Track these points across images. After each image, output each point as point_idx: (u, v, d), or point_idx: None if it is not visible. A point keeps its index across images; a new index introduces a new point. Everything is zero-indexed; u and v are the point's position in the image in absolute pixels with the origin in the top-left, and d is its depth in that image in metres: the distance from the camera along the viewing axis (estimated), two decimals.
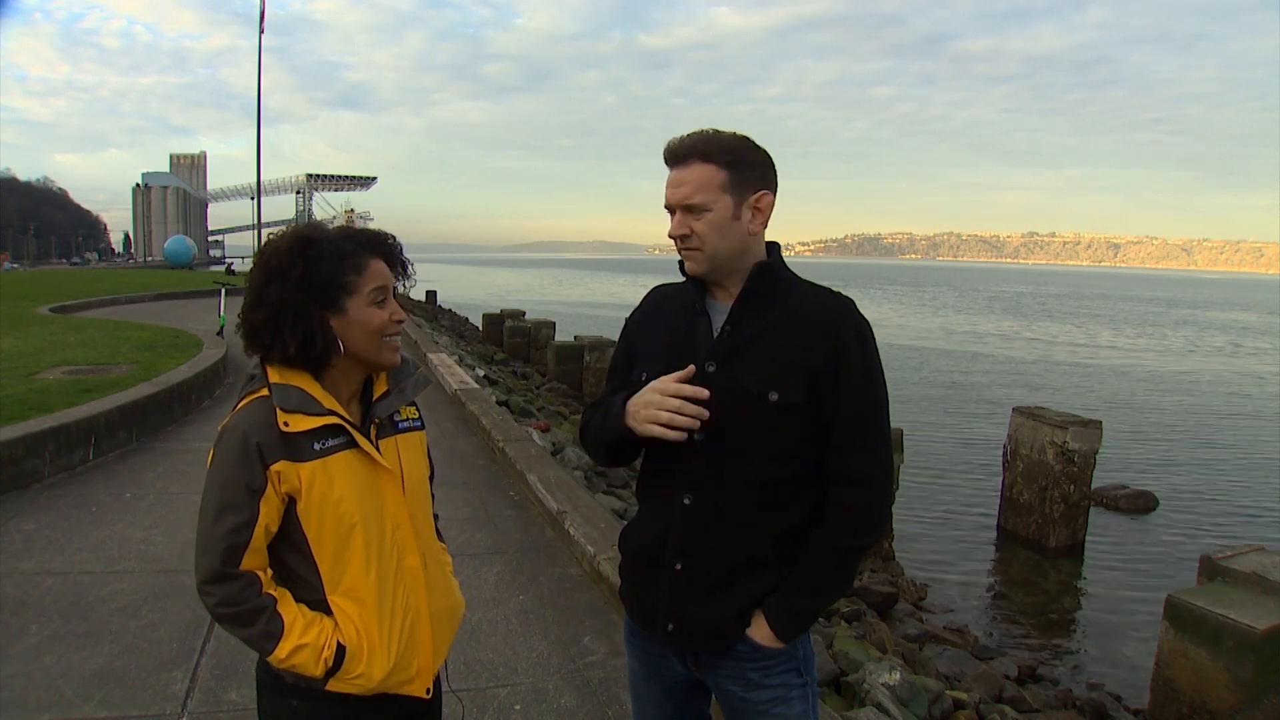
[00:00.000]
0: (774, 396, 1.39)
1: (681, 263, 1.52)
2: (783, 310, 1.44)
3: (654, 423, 1.39)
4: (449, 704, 2.76)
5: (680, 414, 1.37)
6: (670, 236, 1.45)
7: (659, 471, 1.53)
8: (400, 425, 1.49)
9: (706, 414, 1.38)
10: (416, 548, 1.45)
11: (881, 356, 1.47)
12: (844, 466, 1.42)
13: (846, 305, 1.45)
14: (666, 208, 1.46)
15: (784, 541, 1.44)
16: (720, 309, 1.48)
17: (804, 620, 1.46)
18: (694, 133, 1.43)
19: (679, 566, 1.46)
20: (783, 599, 1.44)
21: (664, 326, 1.54)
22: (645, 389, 1.44)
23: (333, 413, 1.35)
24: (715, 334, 1.46)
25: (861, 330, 1.43)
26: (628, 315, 1.66)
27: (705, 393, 1.38)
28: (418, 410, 1.57)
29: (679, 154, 1.43)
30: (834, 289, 1.49)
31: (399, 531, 1.42)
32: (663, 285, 1.64)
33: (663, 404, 1.39)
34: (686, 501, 1.45)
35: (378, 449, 1.40)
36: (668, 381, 1.40)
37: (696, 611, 1.46)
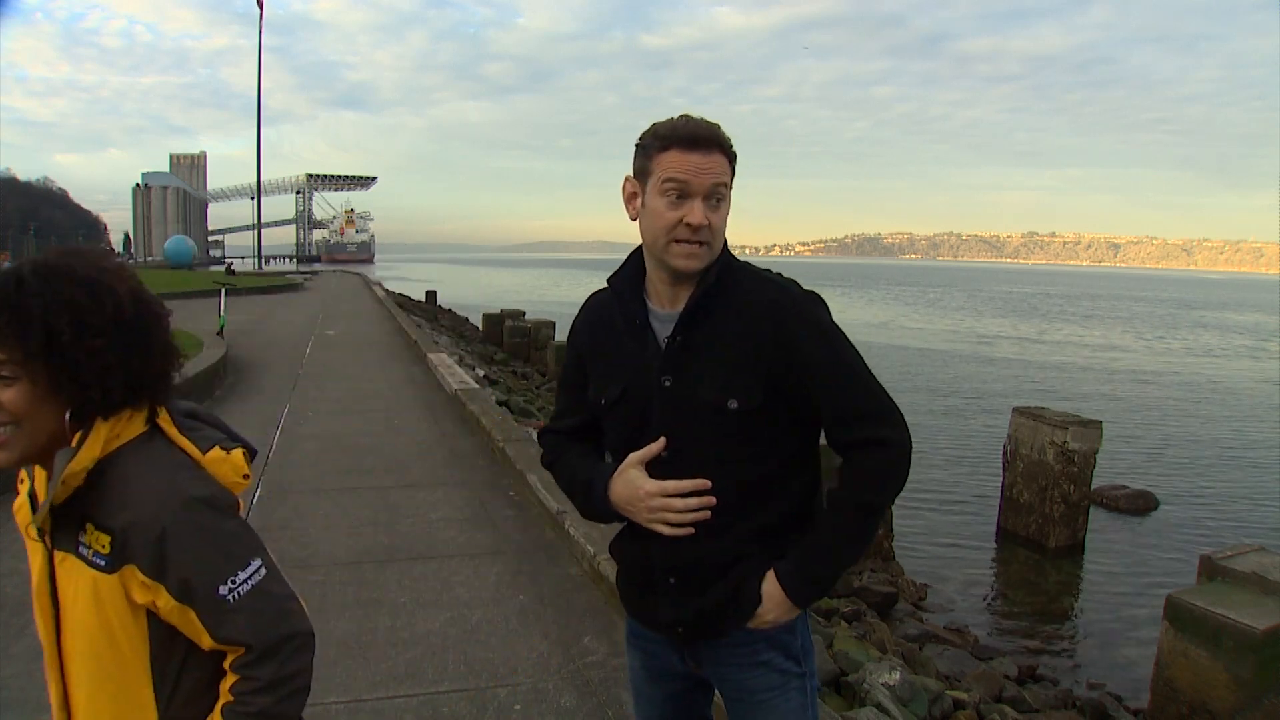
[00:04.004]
0: (734, 404, 1.34)
1: (622, 267, 1.46)
2: (726, 311, 1.37)
3: (662, 523, 1.38)
4: (452, 703, 2.77)
5: (689, 511, 1.37)
6: (688, 225, 1.32)
7: None
8: (80, 548, 1.06)
9: (714, 500, 1.36)
10: (59, 687, 1.16)
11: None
12: (851, 438, 1.37)
13: (786, 290, 1.39)
14: (686, 194, 1.32)
15: (769, 537, 1.42)
16: (661, 317, 1.42)
17: (821, 584, 1.41)
18: (704, 119, 1.35)
19: (672, 581, 1.44)
20: (798, 561, 1.39)
21: (612, 342, 1.47)
22: (626, 477, 1.40)
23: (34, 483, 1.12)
24: (663, 345, 1.40)
25: (805, 308, 1.37)
26: (573, 320, 1.58)
27: (706, 483, 1.36)
28: (111, 544, 1.04)
29: (704, 138, 1.33)
30: (777, 275, 1.43)
31: (47, 657, 1.17)
32: (600, 292, 1.56)
33: (668, 505, 1.37)
34: None
35: (51, 550, 1.10)
36: (660, 483, 1.37)
37: (700, 612, 1.44)
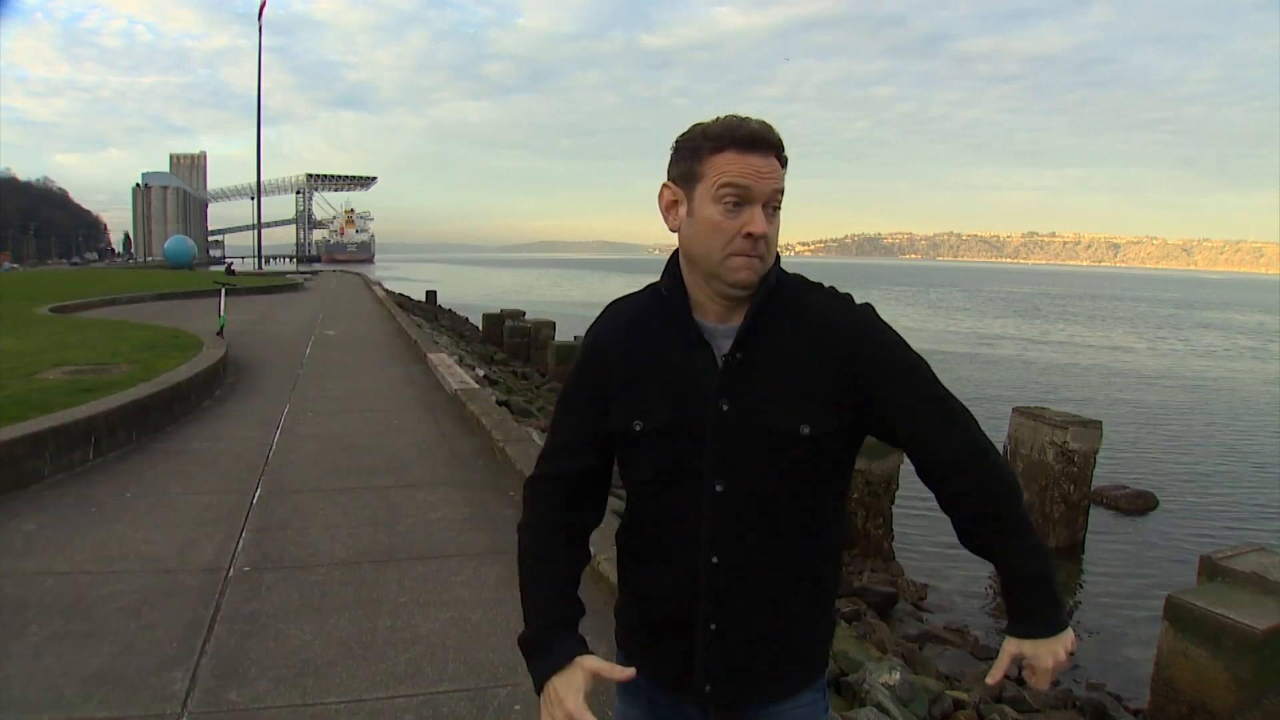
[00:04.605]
0: (806, 429, 1.20)
1: (666, 276, 1.29)
2: (788, 325, 1.23)
3: None
4: (452, 703, 2.77)
5: None
6: (749, 236, 1.18)
7: (667, 525, 1.28)
8: None
9: None
10: None
11: None
12: (953, 456, 1.25)
13: (847, 301, 1.29)
14: (745, 201, 1.18)
15: (815, 570, 1.31)
16: (714, 331, 1.25)
17: (1059, 598, 1.26)
18: (758, 119, 1.21)
19: (713, 627, 1.27)
20: (1029, 594, 1.24)
21: (653, 359, 1.26)
22: (566, 679, 1.22)
23: None
24: (720, 363, 1.23)
25: (874, 321, 1.26)
26: (590, 332, 1.36)
27: None
28: None
29: (763, 140, 1.19)
30: (830, 287, 1.32)
31: None
32: (623, 301, 1.35)
33: None
34: (714, 561, 1.24)
35: None
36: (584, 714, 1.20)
37: (742, 668, 1.29)
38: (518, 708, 2.77)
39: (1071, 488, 8.28)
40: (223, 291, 14.36)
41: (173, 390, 7.06)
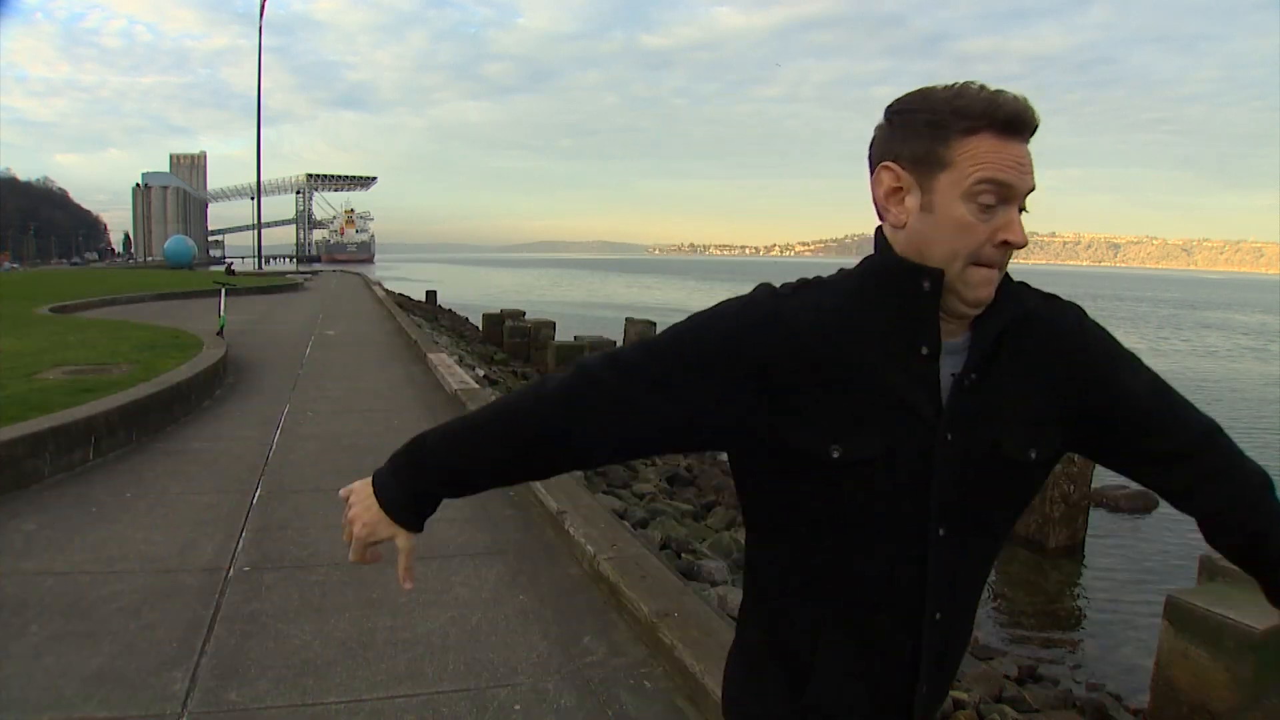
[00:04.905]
0: (1034, 454, 1.03)
1: (899, 271, 0.99)
2: (1017, 338, 1.02)
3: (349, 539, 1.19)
4: (452, 703, 2.77)
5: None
6: (1005, 244, 0.95)
7: (873, 581, 1.03)
8: None
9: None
10: None
11: None
12: (1199, 439, 1.07)
13: (1063, 303, 1.10)
14: (1003, 200, 0.94)
15: None
16: (944, 346, 1.01)
17: None
18: (1022, 96, 0.94)
19: (925, 689, 1.07)
20: None
21: (868, 370, 0.98)
22: (378, 528, 1.19)
23: None
24: (944, 384, 1.00)
25: (1087, 320, 1.09)
26: (773, 299, 1.01)
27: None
28: None
29: (1030, 125, 0.94)
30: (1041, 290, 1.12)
31: None
32: (821, 287, 1.03)
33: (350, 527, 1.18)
34: (938, 617, 1.04)
35: None
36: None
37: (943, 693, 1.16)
38: (518, 708, 2.77)
39: (1071, 488, 8.28)
40: (223, 291, 14.37)
41: (173, 390, 7.06)
